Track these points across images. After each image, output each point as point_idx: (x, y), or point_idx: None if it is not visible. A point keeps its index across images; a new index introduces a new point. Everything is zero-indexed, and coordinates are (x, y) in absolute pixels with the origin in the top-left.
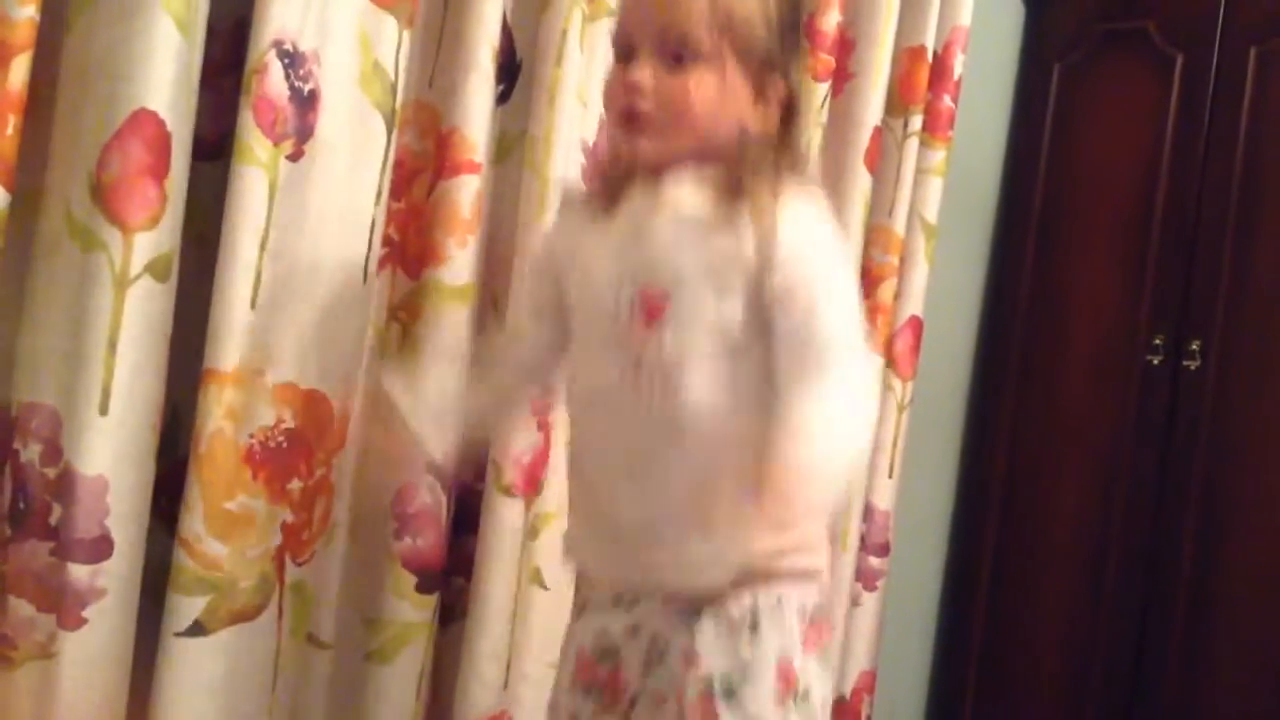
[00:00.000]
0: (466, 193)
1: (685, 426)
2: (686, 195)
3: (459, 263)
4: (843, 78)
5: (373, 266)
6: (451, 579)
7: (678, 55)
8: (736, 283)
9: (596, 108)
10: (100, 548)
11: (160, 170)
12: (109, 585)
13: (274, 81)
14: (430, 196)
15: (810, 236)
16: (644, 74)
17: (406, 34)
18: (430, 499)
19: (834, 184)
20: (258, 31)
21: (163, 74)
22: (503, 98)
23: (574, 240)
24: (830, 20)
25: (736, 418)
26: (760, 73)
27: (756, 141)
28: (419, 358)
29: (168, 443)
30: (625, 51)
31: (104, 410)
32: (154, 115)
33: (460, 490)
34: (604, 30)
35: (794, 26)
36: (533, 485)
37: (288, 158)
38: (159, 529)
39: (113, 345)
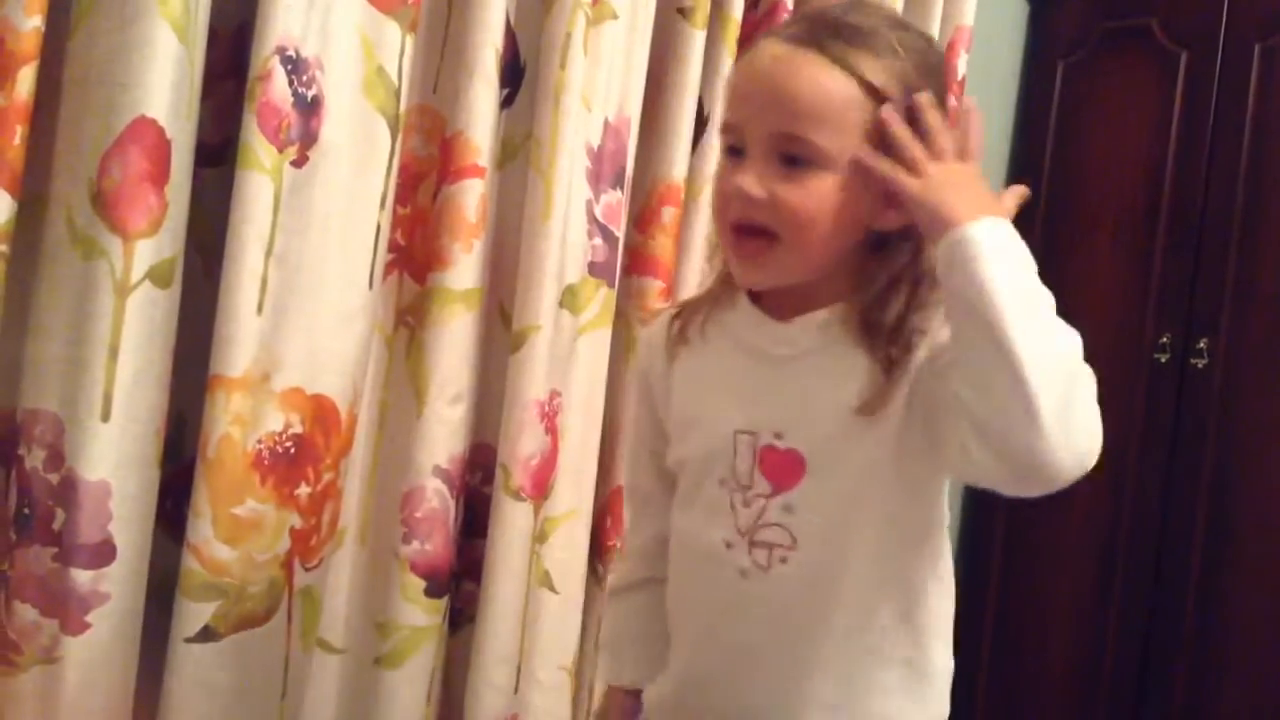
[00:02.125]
0: (471, 197)
1: (819, 632)
2: (818, 332)
3: (465, 267)
4: None
5: (379, 272)
6: (461, 583)
7: (791, 156)
8: (886, 443)
9: (600, 110)
10: (103, 553)
11: (160, 177)
12: (112, 590)
13: (277, 88)
14: (435, 201)
15: None
16: (754, 181)
17: (409, 39)
18: (438, 503)
19: None
20: (260, 38)
21: (162, 81)
22: (507, 101)
23: (668, 366)
24: None
25: (878, 607)
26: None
27: (890, 258)
28: (426, 362)
29: (174, 448)
30: (734, 145)
31: (105, 416)
32: (153, 122)
33: (468, 494)
34: (608, 33)
35: (938, 97)
36: (541, 489)
37: (292, 164)
38: (166, 535)
39: (114, 352)
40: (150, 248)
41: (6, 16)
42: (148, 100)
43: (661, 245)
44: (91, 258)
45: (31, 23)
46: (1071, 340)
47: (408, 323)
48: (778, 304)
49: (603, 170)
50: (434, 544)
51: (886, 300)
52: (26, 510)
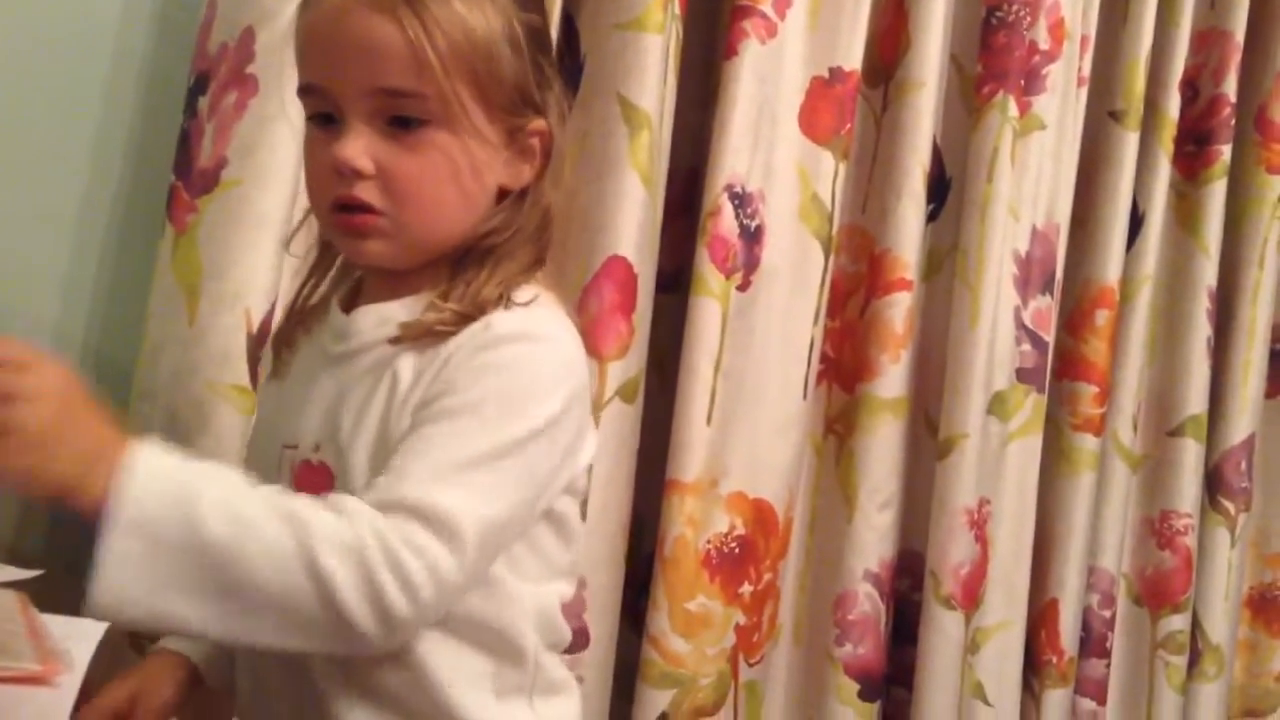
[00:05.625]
0: (899, 309)
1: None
2: (377, 326)
3: (892, 377)
4: None
5: (811, 383)
6: (891, 689)
7: (399, 117)
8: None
9: (1029, 218)
10: (579, 640)
11: (628, 307)
12: (586, 674)
13: (726, 221)
14: (864, 314)
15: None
16: (356, 149)
17: (842, 166)
18: (869, 607)
19: None
20: (712, 178)
21: (630, 223)
22: (932, 215)
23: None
24: None
25: None
26: (512, 113)
27: (503, 227)
28: (855, 469)
29: (633, 546)
30: (323, 110)
31: (583, 516)
32: (624, 260)
33: (897, 600)
34: (1036, 142)
35: (544, 43)
36: (972, 598)
37: (737, 288)
38: (626, 626)
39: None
40: (620, 369)
41: None
42: (619, 241)
43: (1095, 349)
44: None
45: None
46: (289, 561)
47: (837, 431)
48: (371, 288)
49: (1031, 276)
50: (866, 648)
51: (488, 263)
52: None
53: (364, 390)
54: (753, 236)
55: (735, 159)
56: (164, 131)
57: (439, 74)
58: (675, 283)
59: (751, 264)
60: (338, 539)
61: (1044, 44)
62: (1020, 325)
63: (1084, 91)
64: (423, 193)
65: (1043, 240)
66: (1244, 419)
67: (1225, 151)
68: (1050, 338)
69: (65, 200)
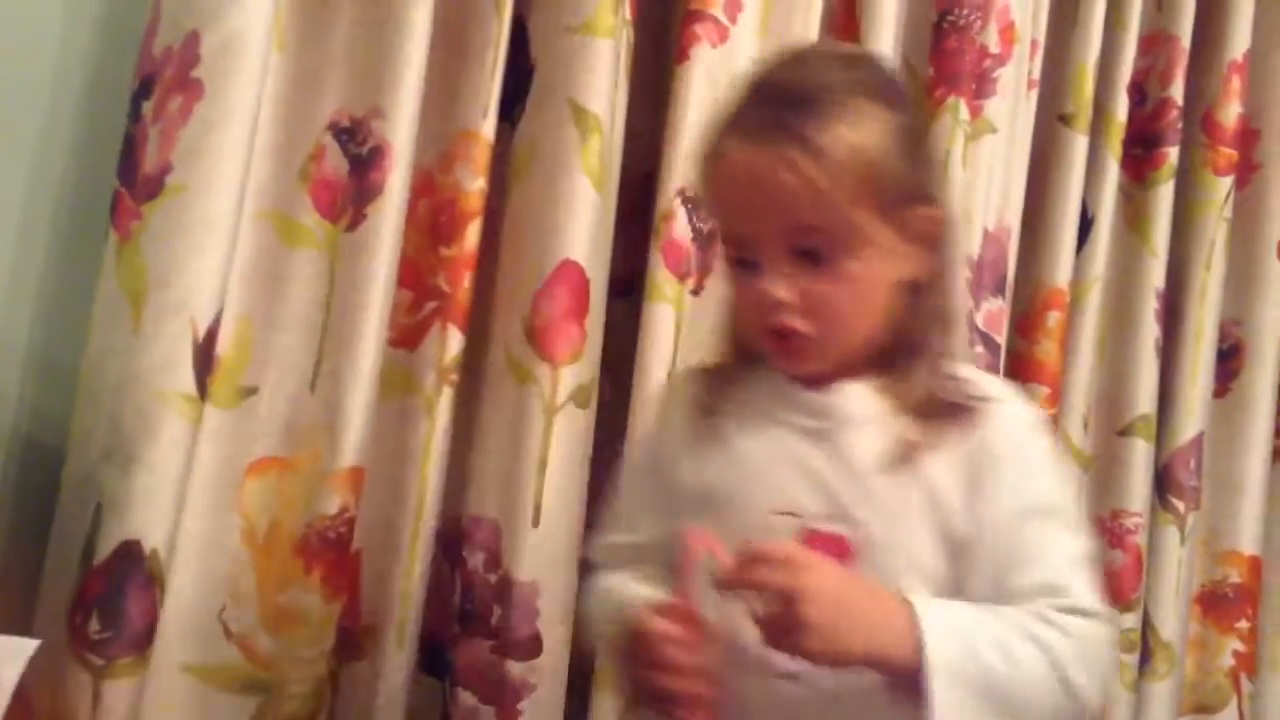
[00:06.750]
0: None
1: None
2: (857, 401)
3: None
4: (1247, 170)
5: None
6: None
7: (812, 251)
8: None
9: (980, 220)
10: (532, 646)
11: (581, 311)
12: (540, 681)
13: (680, 226)
14: None
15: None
16: (780, 286)
17: None
18: None
19: (1243, 279)
20: (665, 183)
21: (582, 227)
22: None
23: (686, 433)
24: (1230, 113)
25: None
26: (903, 211)
27: (916, 313)
28: None
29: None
30: (743, 257)
31: (535, 523)
32: (576, 264)
33: None
34: (987, 145)
35: (920, 137)
36: None
37: (691, 292)
38: (579, 632)
39: (543, 465)
40: (573, 373)
41: (459, 180)
42: (571, 245)
43: (1046, 350)
44: (525, 383)
45: (477, 184)
46: (1047, 678)
47: None
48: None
49: (983, 279)
50: None
51: (922, 351)
52: (469, 606)
53: (891, 485)
54: (706, 241)
55: (688, 163)
56: (107, 137)
57: (839, 205)
58: (629, 288)
59: (705, 268)
60: (1072, 654)
61: (994, 47)
62: (973, 328)
63: (1034, 95)
64: (841, 313)
65: (994, 243)
66: (1192, 419)
67: (1173, 154)
68: (1003, 340)
69: (7, 206)
